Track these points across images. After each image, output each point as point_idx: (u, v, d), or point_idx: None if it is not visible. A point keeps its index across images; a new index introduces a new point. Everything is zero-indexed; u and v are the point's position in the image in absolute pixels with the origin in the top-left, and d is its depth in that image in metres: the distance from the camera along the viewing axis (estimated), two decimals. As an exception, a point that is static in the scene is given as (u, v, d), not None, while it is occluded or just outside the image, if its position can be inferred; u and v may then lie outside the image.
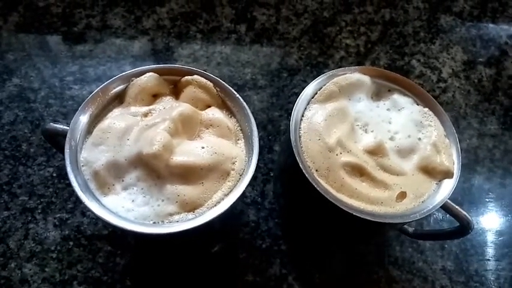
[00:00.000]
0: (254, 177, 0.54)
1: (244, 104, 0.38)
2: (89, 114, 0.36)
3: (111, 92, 0.38)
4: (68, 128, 0.36)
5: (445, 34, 0.75)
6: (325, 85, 0.42)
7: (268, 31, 0.71)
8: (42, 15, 0.67)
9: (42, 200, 0.50)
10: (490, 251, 0.54)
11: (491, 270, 0.53)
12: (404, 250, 0.53)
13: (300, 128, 0.39)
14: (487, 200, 0.59)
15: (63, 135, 0.36)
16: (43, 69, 0.61)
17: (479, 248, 0.54)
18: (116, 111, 0.38)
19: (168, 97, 0.39)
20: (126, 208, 0.33)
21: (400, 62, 0.70)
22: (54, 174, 0.52)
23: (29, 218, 0.49)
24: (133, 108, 0.38)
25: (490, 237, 0.56)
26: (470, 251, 0.54)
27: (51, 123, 0.37)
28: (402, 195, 0.37)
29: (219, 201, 0.34)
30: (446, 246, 0.54)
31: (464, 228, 0.38)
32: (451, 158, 0.38)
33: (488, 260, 0.54)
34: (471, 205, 0.58)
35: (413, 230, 0.48)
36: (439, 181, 0.38)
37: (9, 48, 0.62)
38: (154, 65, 0.40)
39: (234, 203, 0.33)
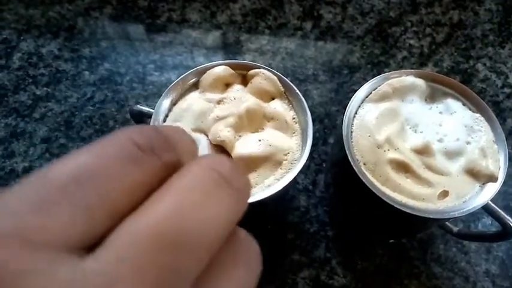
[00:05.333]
0: (307, 167, 0.59)
1: (303, 99, 0.43)
2: (170, 100, 0.43)
3: (189, 81, 0.44)
4: (150, 110, 0.43)
5: (517, 38, 0.73)
6: (379, 86, 0.45)
7: (332, 29, 0.74)
8: (130, 8, 0.75)
9: (123, 169, 0.59)
10: (540, 261, 0.54)
11: (539, 279, 0.53)
12: (448, 249, 0.54)
13: (352, 124, 0.43)
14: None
15: (147, 115, 0.43)
16: (129, 56, 0.69)
17: (528, 256, 0.54)
18: (194, 95, 0.44)
19: (238, 86, 0.45)
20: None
21: (464, 65, 0.70)
22: (134, 149, 0.60)
23: (112, 184, 0.58)
24: (208, 95, 0.43)
25: (543, 248, 0.55)
26: (518, 258, 0.54)
27: (138, 105, 0.44)
28: (444, 193, 0.39)
29: (271, 184, 0.39)
30: (492, 250, 0.54)
31: (506, 231, 0.40)
32: (497, 163, 0.40)
33: (537, 269, 0.54)
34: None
35: (457, 230, 0.49)
36: (483, 184, 0.40)
37: (103, 36, 0.71)
38: (227, 60, 0.45)
39: (283, 187, 0.38)
